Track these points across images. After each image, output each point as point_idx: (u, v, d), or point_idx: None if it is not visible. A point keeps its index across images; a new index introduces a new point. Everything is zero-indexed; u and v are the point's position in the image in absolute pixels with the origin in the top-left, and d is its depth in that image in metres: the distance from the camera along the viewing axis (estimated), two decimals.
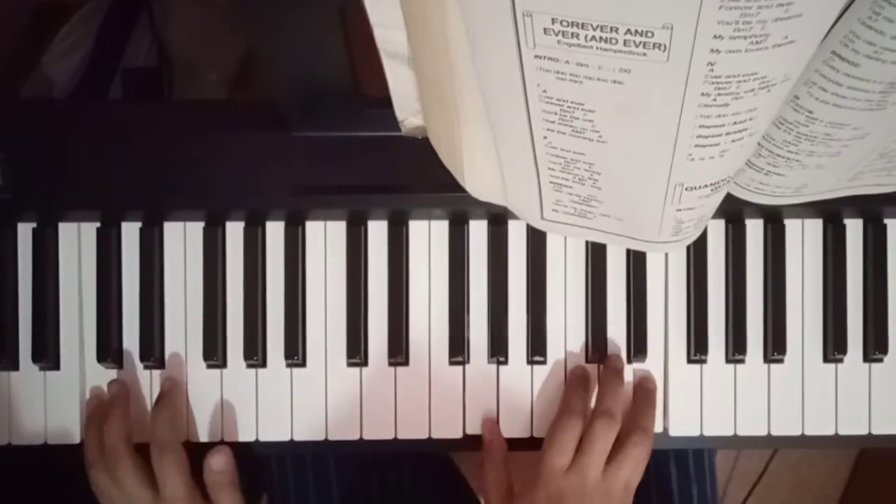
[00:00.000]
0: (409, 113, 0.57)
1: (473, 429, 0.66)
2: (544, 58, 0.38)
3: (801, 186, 0.55)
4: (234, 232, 0.66)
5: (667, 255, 0.66)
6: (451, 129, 0.51)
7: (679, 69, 0.35)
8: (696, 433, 0.66)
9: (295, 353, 0.65)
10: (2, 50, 1.03)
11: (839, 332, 0.66)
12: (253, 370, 0.66)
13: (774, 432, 0.66)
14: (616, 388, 0.63)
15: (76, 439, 0.66)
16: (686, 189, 0.47)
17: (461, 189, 0.58)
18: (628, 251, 0.66)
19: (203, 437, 0.66)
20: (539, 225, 0.60)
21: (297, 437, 0.66)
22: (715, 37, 0.33)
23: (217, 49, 1.06)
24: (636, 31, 0.34)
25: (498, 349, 0.65)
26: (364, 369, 0.66)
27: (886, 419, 0.66)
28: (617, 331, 0.66)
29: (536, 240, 0.66)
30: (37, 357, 0.65)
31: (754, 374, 0.66)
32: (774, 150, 0.49)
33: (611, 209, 0.54)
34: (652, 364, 0.66)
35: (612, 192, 0.51)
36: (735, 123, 0.40)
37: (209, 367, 0.66)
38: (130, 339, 0.66)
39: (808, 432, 0.66)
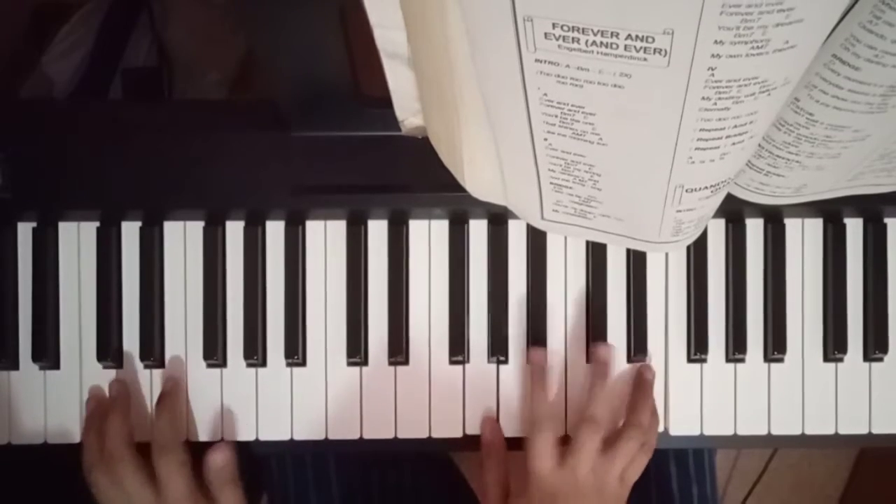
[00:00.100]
0: (409, 113, 0.57)
1: (473, 429, 0.66)
2: (545, 62, 0.38)
3: (801, 187, 0.55)
4: (234, 231, 0.66)
5: (667, 255, 0.66)
6: (451, 129, 0.51)
7: (680, 74, 0.35)
8: (696, 433, 0.66)
9: (295, 352, 0.65)
10: (2, 50, 1.03)
11: (839, 332, 0.66)
12: (253, 370, 0.66)
13: (774, 432, 0.66)
14: (601, 388, 0.63)
15: (76, 439, 0.66)
16: (686, 191, 0.47)
17: (461, 189, 0.58)
18: (628, 251, 0.66)
19: (203, 436, 0.66)
20: (539, 225, 0.60)
21: (297, 437, 0.66)
22: (716, 42, 0.33)
23: (217, 49, 1.06)
24: (637, 37, 0.34)
25: (498, 349, 0.65)
26: (364, 369, 0.66)
27: (886, 419, 0.66)
28: (617, 330, 0.66)
29: (536, 240, 0.66)
30: (37, 357, 0.65)
31: (754, 373, 0.66)
32: (775, 151, 0.49)
33: (611, 210, 0.53)
34: (652, 363, 0.66)
35: (612, 194, 0.51)
36: (735, 127, 0.40)
37: (209, 366, 0.66)
38: (130, 338, 0.66)
39: (808, 432, 0.66)
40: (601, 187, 0.50)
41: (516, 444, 0.65)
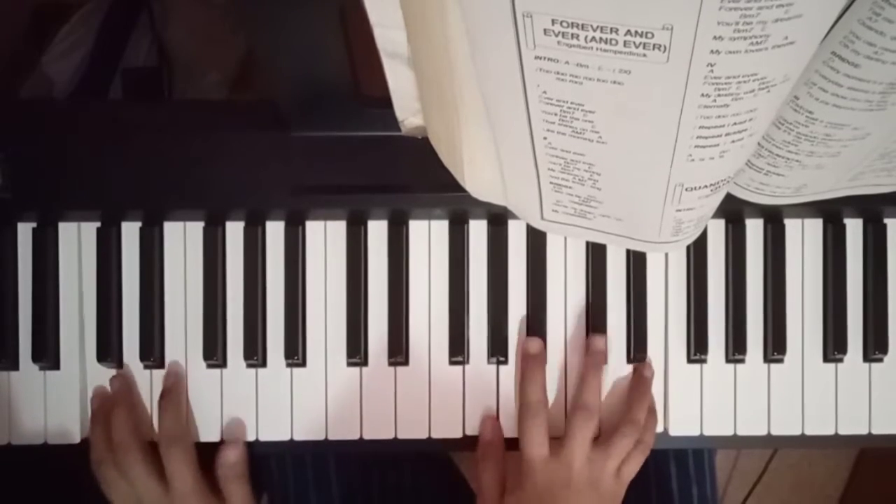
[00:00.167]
0: (409, 113, 0.57)
1: (473, 429, 0.66)
2: (544, 58, 0.38)
3: (800, 186, 0.55)
4: (234, 232, 0.66)
5: (667, 255, 0.66)
6: (451, 129, 0.51)
7: (679, 70, 0.35)
8: (696, 433, 0.66)
9: (295, 352, 0.65)
10: (2, 50, 1.03)
11: (839, 332, 0.66)
12: (253, 370, 0.66)
13: (774, 432, 0.66)
14: (594, 377, 0.63)
15: (76, 439, 0.66)
16: (686, 189, 0.47)
17: (461, 189, 0.58)
18: (628, 251, 0.66)
19: (203, 436, 0.66)
20: (539, 225, 0.60)
21: (297, 437, 0.66)
22: (715, 38, 0.33)
23: (217, 49, 1.06)
24: (636, 32, 0.34)
25: (498, 349, 0.65)
26: (364, 369, 0.66)
27: (886, 419, 0.66)
28: (617, 331, 0.66)
29: (536, 240, 0.66)
30: (37, 357, 0.65)
31: (754, 373, 0.66)
32: (774, 150, 0.49)
33: (611, 209, 0.54)
34: (652, 364, 0.66)
35: (611, 193, 0.51)
36: (735, 124, 0.40)
37: (209, 366, 0.66)
38: (130, 338, 0.66)
39: (808, 432, 0.66)
40: (601, 186, 0.50)
41: (516, 445, 0.65)
